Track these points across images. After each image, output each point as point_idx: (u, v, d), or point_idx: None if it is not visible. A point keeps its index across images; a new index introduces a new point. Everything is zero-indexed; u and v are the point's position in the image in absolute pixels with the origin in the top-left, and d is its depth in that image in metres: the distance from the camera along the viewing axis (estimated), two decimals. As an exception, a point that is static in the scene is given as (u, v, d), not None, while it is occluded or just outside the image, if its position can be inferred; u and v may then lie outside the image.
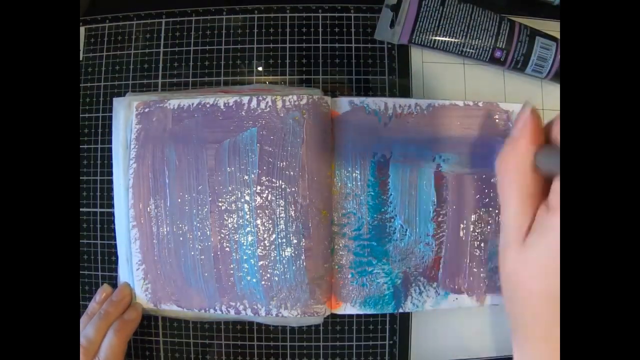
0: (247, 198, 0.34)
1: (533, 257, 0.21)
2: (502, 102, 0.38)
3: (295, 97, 0.34)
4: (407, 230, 0.35)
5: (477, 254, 0.35)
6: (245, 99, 0.34)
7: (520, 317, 0.23)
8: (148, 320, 0.37)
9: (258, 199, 0.34)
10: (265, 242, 0.34)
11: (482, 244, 0.35)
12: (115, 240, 0.37)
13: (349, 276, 0.35)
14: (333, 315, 0.36)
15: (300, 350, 0.37)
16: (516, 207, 0.22)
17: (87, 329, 0.33)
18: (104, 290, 0.36)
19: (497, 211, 0.35)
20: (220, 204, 0.34)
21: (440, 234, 0.35)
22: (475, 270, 0.35)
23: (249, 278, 0.34)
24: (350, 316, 0.36)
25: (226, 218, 0.34)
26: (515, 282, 0.22)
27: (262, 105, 0.34)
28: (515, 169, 0.22)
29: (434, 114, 0.35)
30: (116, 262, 0.37)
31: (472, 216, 0.35)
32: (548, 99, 0.38)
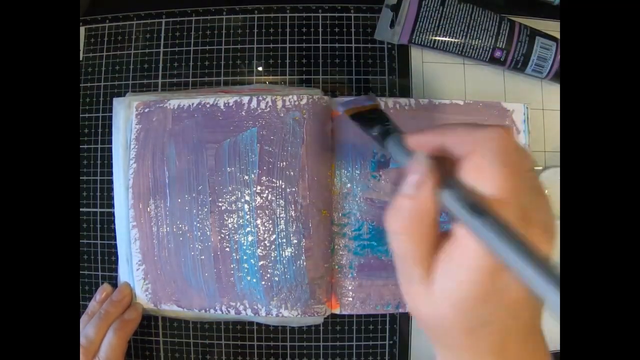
0: (247, 198, 0.34)
1: (442, 298, 0.19)
2: (502, 102, 0.38)
3: (295, 97, 0.34)
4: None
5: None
6: (246, 99, 0.34)
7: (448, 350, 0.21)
8: (148, 320, 0.37)
9: (258, 199, 0.34)
10: (266, 242, 0.34)
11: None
12: (115, 240, 0.37)
13: (349, 276, 0.35)
14: (333, 315, 0.36)
15: (300, 350, 0.37)
16: (415, 266, 0.19)
17: (87, 328, 0.33)
18: (104, 290, 0.36)
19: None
20: (220, 204, 0.34)
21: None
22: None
23: (249, 278, 0.34)
24: (350, 316, 0.36)
25: (226, 218, 0.34)
26: (435, 328, 0.20)
27: (262, 105, 0.34)
28: (417, 224, 0.19)
29: (434, 113, 0.35)
30: (116, 262, 0.37)
31: None
32: (548, 99, 0.38)
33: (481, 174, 0.18)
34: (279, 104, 0.34)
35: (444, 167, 0.19)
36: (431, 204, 0.19)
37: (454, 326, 0.19)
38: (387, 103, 0.35)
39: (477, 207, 0.17)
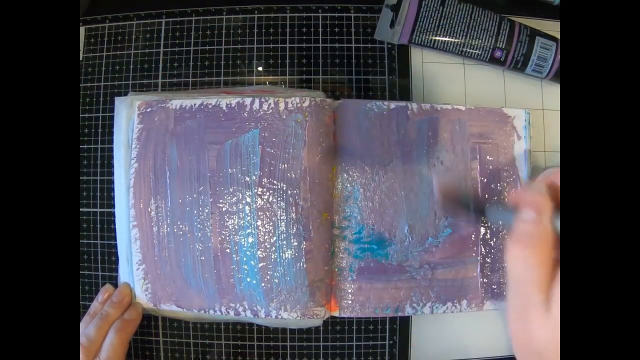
0: (248, 199, 0.34)
1: (557, 319, 0.19)
2: (502, 102, 0.38)
3: (297, 99, 0.34)
4: (407, 234, 0.35)
5: (479, 260, 0.35)
6: (248, 100, 0.34)
7: None
8: (148, 320, 0.37)
9: (259, 200, 0.34)
10: (266, 243, 0.34)
11: (484, 250, 0.35)
12: (115, 240, 0.37)
13: (349, 279, 0.35)
14: (333, 315, 0.36)
15: (300, 351, 0.37)
16: (540, 291, 0.20)
17: (89, 328, 0.33)
18: (106, 290, 0.36)
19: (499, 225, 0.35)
20: (221, 205, 0.34)
21: (440, 239, 0.35)
22: (473, 276, 0.35)
23: (249, 279, 0.34)
24: (350, 316, 0.36)
25: (227, 219, 0.34)
26: (553, 346, 0.20)
27: (265, 106, 0.34)
28: (541, 248, 0.20)
29: (435, 118, 0.35)
30: (116, 262, 0.37)
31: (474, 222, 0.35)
32: (548, 99, 0.38)
33: None
34: (282, 105, 0.34)
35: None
36: (552, 227, 0.20)
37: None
38: (388, 106, 0.35)
39: None
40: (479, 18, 0.35)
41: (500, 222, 0.24)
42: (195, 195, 0.34)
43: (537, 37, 0.35)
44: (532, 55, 0.35)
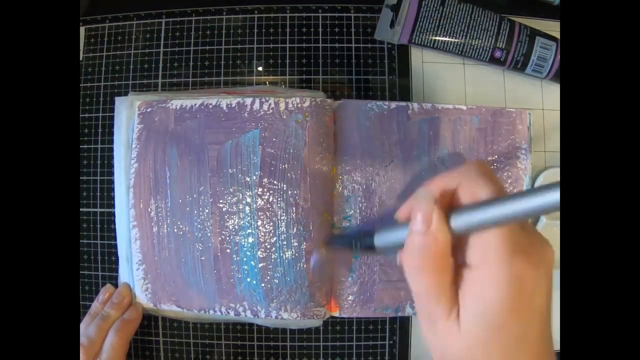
0: (249, 200, 0.34)
1: (472, 325, 0.19)
2: (502, 102, 0.38)
3: (298, 100, 0.34)
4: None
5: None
6: (248, 101, 0.34)
7: None
8: (148, 320, 0.37)
9: (259, 200, 0.34)
10: (266, 244, 0.34)
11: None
12: (115, 240, 0.37)
13: (349, 279, 0.35)
14: (333, 315, 0.36)
15: (300, 351, 0.37)
16: (438, 302, 0.20)
17: (89, 329, 0.33)
18: (107, 290, 0.36)
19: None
20: (221, 205, 0.34)
21: None
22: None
23: (249, 280, 0.34)
24: (350, 317, 0.36)
25: (227, 219, 0.34)
26: (466, 355, 0.20)
27: (265, 107, 0.34)
28: (433, 258, 0.20)
29: (436, 117, 0.35)
30: (116, 262, 0.37)
31: None
32: (548, 99, 0.38)
33: (476, 189, 0.19)
34: (282, 106, 0.34)
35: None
36: (443, 235, 0.19)
37: (489, 351, 0.19)
38: (389, 106, 0.35)
39: (490, 200, 0.18)
40: (479, 18, 0.35)
41: (393, 247, 0.23)
42: (195, 195, 0.34)
43: (537, 37, 0.35)
44: (532, 55, 0.35)
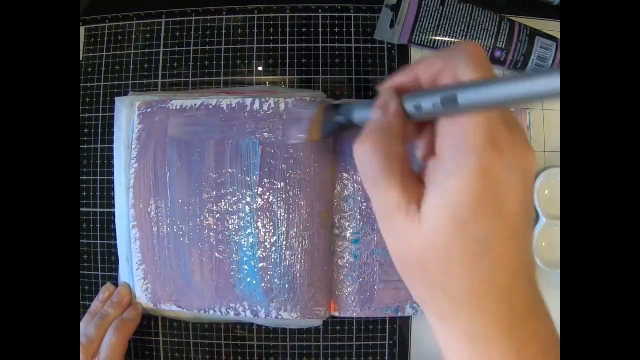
0: (249, 200, 0.34)
1: (437, 218, 0.17)
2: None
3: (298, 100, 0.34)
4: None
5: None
6: (248, 101, 0.34)
7: (441, 291, 0.18)
8: (148, 320, 0.37)
9: (259, 200, 0.34)
10: (266, 244, 0.34)
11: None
12: (115, 240, 0.37)
13: (350, 279, 0.35)
14: (333, 315, 0.36)
15: (300, 351, 0.37)
16: (392, 176, 0.18)
17: (89, 328, 0.33)
18: (107, 289, 0.36)
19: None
20: (221, 205, 0.34)
21: None
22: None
23: (249, 280, 0.34)
24: (350, 316, 0.36)
25: (227, 219, 0.34)
26: (431, 262, 0.18)
27: (265, 107, 0.34)
28: (384, 138, 0.19)
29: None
30: (116, 262, 0.37)
31: None
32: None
33: (459, 70, 0.17)
34: (282, 106, 0.34)
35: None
36: (397, 119, 0.19)
37: (449, 254, 0.17)
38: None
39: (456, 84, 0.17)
40: (479, 18, 0.35)
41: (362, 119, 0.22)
42: (195, 196, 0.34)
43: (537, 37, 0.35)
44: (532, 55, 0.35)
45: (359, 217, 0.35)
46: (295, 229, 0.33)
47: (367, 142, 0.19)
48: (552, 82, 0.14)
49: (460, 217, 0.17)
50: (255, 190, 0.34)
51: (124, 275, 0.36)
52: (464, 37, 0.35)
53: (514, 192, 0.17)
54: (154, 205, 0.35)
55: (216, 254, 0.34)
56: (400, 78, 0.21)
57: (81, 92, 0.39)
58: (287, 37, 0.38)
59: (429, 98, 0.18)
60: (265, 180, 0.34)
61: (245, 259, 0.34)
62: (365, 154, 0.19)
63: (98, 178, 0.38)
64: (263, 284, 0.34)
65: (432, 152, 0.18)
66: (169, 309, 0.35)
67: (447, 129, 0.18)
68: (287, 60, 0.38)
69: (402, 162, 0.19)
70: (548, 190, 0.34)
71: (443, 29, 0.35)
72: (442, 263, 0.17)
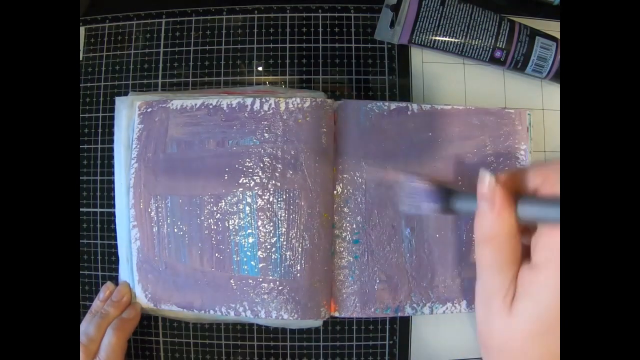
0: (249, 200, 0.34)
1: (524, 321, 0.20)
2: (502, 102, 0.38)
3: (298, 100, 0.34)
4: (407, 235, 0.35)
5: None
6: (249, 101, 0.34)
7: None
8: (148, 320, 0.37)
9: (259, 201, 0.34)
10: (266, 244, 0.34)
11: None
12: (115, 240, 0.37)
13: (350, 279, 0.35)
14: (333, 315, 0.36)
15: (300, 351, 0.37)
16: (498, 275, 0.21)
17: (89, 327, 0.33)
18: (107, 288, 0.36)
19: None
20: (221, 206, 0.34)
21: (438, 241, 0.35)
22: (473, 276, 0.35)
23: (249, 280, 0.34)
24: (350, 317, 0.36)
25: (227, 219, 0.34)
26: (509, 353, 0.21)
27: (265, 107, 0.34)
28: (491, 237, 0.21)
29: (435, 118, 0.35)
30: (116, 262, 0.37)
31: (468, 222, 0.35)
32: (548, 99, 0.38)
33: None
34: (282, 106, 0.34)
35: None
36: (509, 214, 0.21)
37: (526, 354, 0.20)
38: (389, 106, 0.35)
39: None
40: (479, 18, 0.35)
41: (465, 210, 0.24)
42: (195, 196, 0.34)
43: (537, 37, 0.35)
44: (532, 55, 0.36)
45: (359, 218, 0.35)
46: (295, 229, 0.33)
47: (484, 229, 0.22)
48: None
49: (543, 328, 0.19)
50: (255, 191, 0.34)
51: (124, 275, 0.36)
52: (464, 37, 0.35)
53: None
54: (154, 205, 0.35)
55: (216, 254, 0.34)
56: (509, 178, 0.22)
57: (81, 92, 0.39)
58: (287, 37, 0.38)
59: (550, 209, 0.20)
60: (266, 181, 0.34)
61: (245, 259, 0.34)
62: (481, 240, 0.22)
63: (98, 178, 0.38)
64: (263, 284, 0.34)
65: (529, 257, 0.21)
66: (169, 309, 0.35)
67: (541, 241, 0.20)
68: (287, 60, 0.38)
69: (514, 255, 0.21)
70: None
71: (443, 29, 0.35)
72: (516, 357, 0.21)
